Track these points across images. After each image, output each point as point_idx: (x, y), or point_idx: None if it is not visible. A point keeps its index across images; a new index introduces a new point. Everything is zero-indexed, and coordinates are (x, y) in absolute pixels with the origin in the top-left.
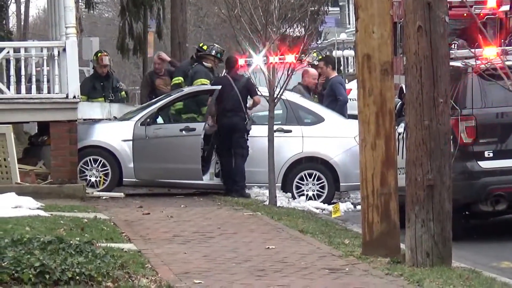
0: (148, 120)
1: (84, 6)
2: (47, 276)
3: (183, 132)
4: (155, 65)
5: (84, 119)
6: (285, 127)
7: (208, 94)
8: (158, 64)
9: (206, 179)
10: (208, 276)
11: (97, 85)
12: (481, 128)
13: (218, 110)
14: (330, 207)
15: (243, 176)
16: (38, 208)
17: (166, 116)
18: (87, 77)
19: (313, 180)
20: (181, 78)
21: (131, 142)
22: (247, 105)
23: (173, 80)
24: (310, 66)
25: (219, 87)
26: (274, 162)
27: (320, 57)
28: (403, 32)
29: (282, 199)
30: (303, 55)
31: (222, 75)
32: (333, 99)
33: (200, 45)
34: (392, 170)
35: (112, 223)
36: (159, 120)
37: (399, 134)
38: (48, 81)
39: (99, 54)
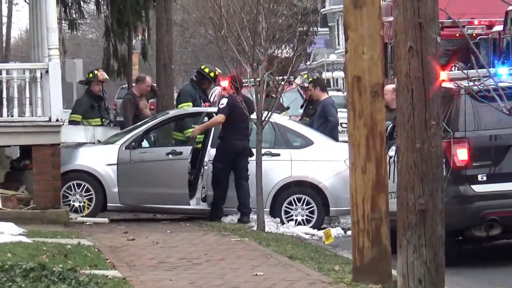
0: (133, 143)
1: (67, 27)
2: None
3: (170, 156)
4: (142, 88)
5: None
6: (273, 151)
7: (196, 116)
8: (147, 86)
9: (193, 204)
10: None
11: (94, 105)
12: (474, 151)
13: (226, 132)
14: (320, 233)
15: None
16: (20, 234)
17: (151, 139)
18: (82, 97)
19: (302, 204)
20: (190, 103)
21: (115, 166)
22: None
23: (181, 105)
24: (300, 88)
25: (206, 109)
26: (262, 186)
27: (311, 78)
28: (394, 53)
29: (271, 224)
30: (291, 76)
31: (231, 95)
32: (324, 120)
33: (202, 67)
34: (383, 194)
35: (96, 249)
36: (144, 143)
37: (390, 157)
38: (30, 104)
39: (96, 71)
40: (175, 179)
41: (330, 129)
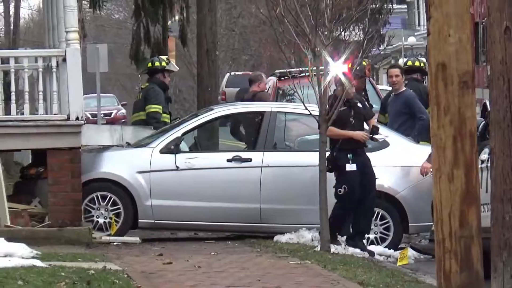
0: (172, 147)
1: (88, 5)
2: None
3: (232, 163)
4: (262, 87)
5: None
6: None
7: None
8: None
9: None
10: None
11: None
12: None
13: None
14: (397, 253)
15: None
16: (33, 257)
17: (194, 142)
18: (155, 86)
19: (376, 220)
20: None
21: (148, 174)
22: None
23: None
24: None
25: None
26: (327, 199)
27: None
28: (487, 35)
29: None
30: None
31: (344, 94)
32: (408, 117)
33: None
34: (474, 207)
35: (126, 275)
36: (183, 146)
37: (483, 162)
38: (44, 99)
39: (166, 57)
40: (246, 192)
41: (419, 130)
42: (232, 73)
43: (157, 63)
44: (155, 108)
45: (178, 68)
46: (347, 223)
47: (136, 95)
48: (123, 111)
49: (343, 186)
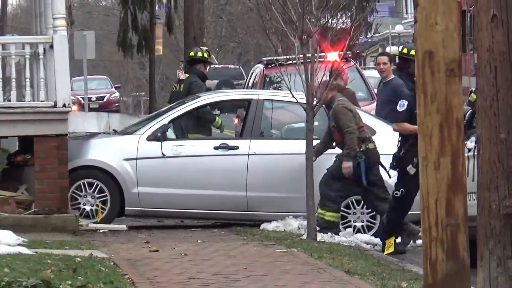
0: (159, 134)
1: None
2: None
3: (219, 150)
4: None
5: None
6: None
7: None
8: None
9: None
10: None
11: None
12: None
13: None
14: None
15: None
16: (19, 245)
17: (180, 129)
18: (197, 78)
19: (363, 208)
20: None
21: (135, 162)
22: None
23: None
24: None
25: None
26: (314, 186)
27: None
28: (474, 23)
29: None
30: (348, 52)
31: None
32: (396, 105)
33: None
34: (461, 195)
35: (112, 263)
36: (170, 134)
37: (469, 150)
38: (31, 86)
39: (206, 49)
40: (232, 180)
41: None
42: (212, 66)
43: (199, 54)
44: None
45: (217, 62)
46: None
47: (174, 85)
48: (117, 94)
49: (401, 189)
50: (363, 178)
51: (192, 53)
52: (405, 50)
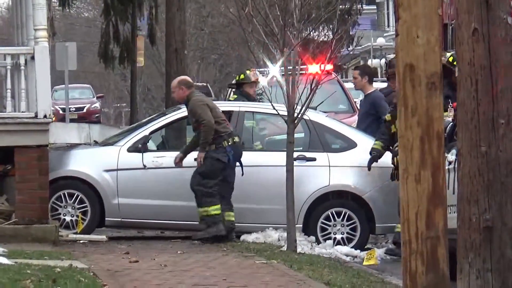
0: (140, 145)
1: (58, 3)
2: None
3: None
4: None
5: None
6: (308, 154)
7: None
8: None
9: None
10: None
11: None
12: None
13: None
14: (364, 254)
15: None
16: None
17: (161, 141)
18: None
19: (343, 220)
20: None
21: (116, 173)
22: None
23: None
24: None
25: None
26: (294, 198)
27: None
28: (455, 37)
29: (304, 244)
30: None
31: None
32: (374, 118)
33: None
34: (441, 208)
35: (92, 273)
36: (150, 145)
37: (450, 163)
38: (12, 96)
39: (247, 71)
40: None
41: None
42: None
43: (242, 76)
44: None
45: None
46: None
47: None
48: (97, 104)
49: None
50: (242, 169)
51: (242, 76)
52: (451, 59)
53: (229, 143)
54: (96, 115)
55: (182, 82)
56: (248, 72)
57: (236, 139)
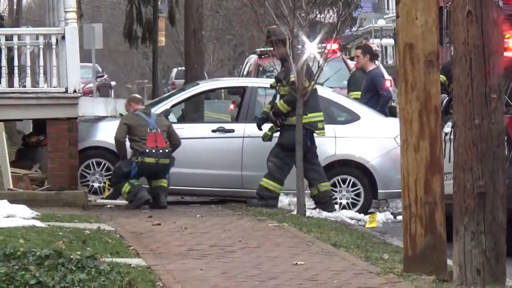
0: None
1: None
2: None
3: (217, 133)
4: None
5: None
6: None
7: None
8: None
9: None
10: None
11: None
12: None
13: None
14: (367, 218)
15: None
16: (33, 218)
17: (180, 114)
18: (357, 74)
19: (348, 186)
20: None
21: None
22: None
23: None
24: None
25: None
26: (303, 167)
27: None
28: (451, 18)
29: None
30: (335, 44)
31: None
32: (374, 94)
33: None
34: (438, 175)
35: (118, 235)
36: (171, 118)
37: (446, 134)
38: (44, 73)
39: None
40: (228, 160)
41: (381, 104)
42: (179, 68)
43: None
44: (354, 95)
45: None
46: None
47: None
48: (91, 85)
49: None
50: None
51: None
52: None
53: (137, 160)
54: (90, 95)
55: (130, 99)
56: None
57: (147, 159)
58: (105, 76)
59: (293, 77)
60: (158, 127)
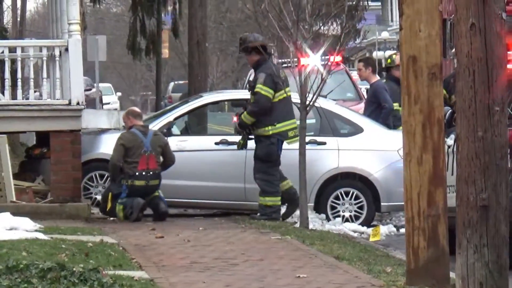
0: (165, 130)
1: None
2: None
3: (220, 145)
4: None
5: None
6: (319, 139)
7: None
8: None
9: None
10: None
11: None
12: None
13: None
14: (370, 230)
15: None
16: (36, 230)
17: (183, 127)
18: (389, 83)
19: (350, 199)
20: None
21: None
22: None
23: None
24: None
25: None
26: (306, 179)
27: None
28: (454, 31)
29: (315, 221)
30: (338, 56)
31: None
32: (377, 106)
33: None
34: (441, 188)
35: (121, 248)
36: (174, 130)
37: (449, 147)
38: (48, 85)
39: (393, 55)
40: (231, 172)
41: (384, 116)
42: (176, 82)
43: (388, 61)
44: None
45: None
46: None
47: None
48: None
49: None
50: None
51: (389, 61)
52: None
53: (127, 183)
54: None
55: (129, 112)
56: (394, 56)
57: (137, 182)
58: (93, 90)
59: (258, 87)
60: (152, 149)
